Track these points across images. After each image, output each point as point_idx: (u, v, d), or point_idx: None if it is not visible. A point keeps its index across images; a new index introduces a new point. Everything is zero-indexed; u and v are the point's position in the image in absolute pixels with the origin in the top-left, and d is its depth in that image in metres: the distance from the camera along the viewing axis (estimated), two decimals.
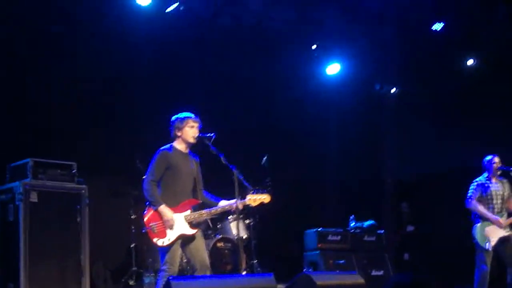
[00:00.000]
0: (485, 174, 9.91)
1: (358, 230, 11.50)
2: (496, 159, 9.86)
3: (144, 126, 10.46)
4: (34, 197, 8.31)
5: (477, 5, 11.89)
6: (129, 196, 9.79)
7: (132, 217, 9.74)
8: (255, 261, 10.11)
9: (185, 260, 8.94)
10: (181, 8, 10.59)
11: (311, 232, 11.05)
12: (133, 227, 9.71)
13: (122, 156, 10.19)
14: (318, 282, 6.81)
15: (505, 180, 9.94)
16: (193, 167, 7.47)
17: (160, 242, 7.14)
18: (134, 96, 10.72)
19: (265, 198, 7.53)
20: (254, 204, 7.49)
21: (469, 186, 9.87)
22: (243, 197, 7.39)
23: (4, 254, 8.39)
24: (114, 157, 10.29)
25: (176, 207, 7.22)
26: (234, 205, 7.33)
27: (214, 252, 9.63)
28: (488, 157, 9.94)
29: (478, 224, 9.62)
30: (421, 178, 13.16)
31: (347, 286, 7.02)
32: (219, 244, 9.92)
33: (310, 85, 12.87)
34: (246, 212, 10.04)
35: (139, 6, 10.36)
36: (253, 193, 7.43)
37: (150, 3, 10.38)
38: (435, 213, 12.93)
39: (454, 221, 11.62)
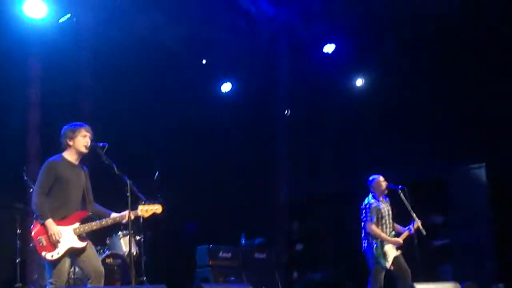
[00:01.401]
0: (373, 195, 10.03)
1: (249, 247, 11.55)
2: (381, 179, 10.01)
3: (33, 138, 10.17)
4: None
5: (367, 31, 12.21)
6: (15, 209, 9.50)
7: (18, 231, 9.44)
8: (145, 278, 9.96)
9: (72, 277, 8.73)
10: (74, 19, 10.45)
11: (202, 248, 11.01)
12: (18, 242, 9.40)
13: (8, 168, 9.88)
14: None
15: (387, 200, 10.13)
16: (82, 178, 7.30)
17: (49, 256, 6.94)
18: (22, 106, 10.40)
19: (157, 208, 7.45)
20: (146, 214, 7.41)
21: (361, 208, 9.95)
22: (135, 208, 7.30)
23: None
24: (6, 169, 9.96)
25: (64, 219, 7.05)
26: (127, 216, 7.22)
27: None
28: (374, 177, 10.04)
29: (377, 245, 9.73)
30: (311, 198, 13.33)
31: None
32: (108, 260, 9.74)
33: (204, 102, 12.88)
34: (137, 227, 9.93)
35: (30, 18, 10.13)
36: (144, 203, 7.35)
37: (44, 17, 10.18)
38: (324, 232, 13.12)
39: (342, 240, 11.86)
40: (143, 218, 8.58)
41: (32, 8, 10.04)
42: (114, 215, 7.34)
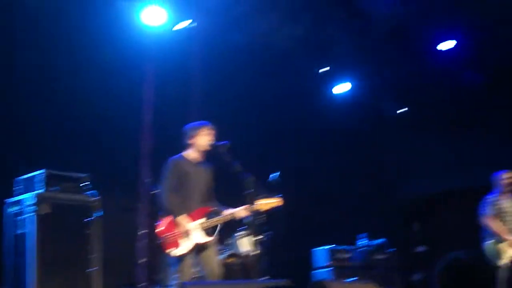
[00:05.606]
0: (496, 191, 9.86)
1: (368, 248, 11.43)
2: (506, 175, 9.82)
3: (148, 141, 10.40)
4: (46, 209, 8.19)
5: (486, 29, 11.90)
6: (139, 210, 9.75)
7: (141, 232, 9.65)
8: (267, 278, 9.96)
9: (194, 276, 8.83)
10: (195, 24, 10.66)
11: (321, 249, 10.94)
12: (142, 242, 9.61)
13: (128, 172, 10.16)
14: None
15: None
16: (206, 175, 7.46)
17: (175, 252, 7.10)
18: (142, 112, 10.66)
19: (276, 201, 7.46)
20: (264, 208, 7.44)
21: (481, 203, 9.80)
22: (253, 203, 7.35)
23: (14, 266, 8.27)
24: (127, 172, 10.23)
25: (190, 215, 7.19)
26: (247, 211, 7.29)
27: (223, 269, 9.47)
28: (498, 174, 9.91)
29: (490, 241, 9.53)
30: (432, 198, 13.07)
31: None
32: (230, 260, 9.81)
33: (316, 104, 12.87)
34: (258, 227, 9.95)
35: (148, 25, 10.36)
36: (263, 198, 7.38)
37: (161, 24, 10.39)
38: (447, 233, 12.83)
39: (466, 241, 11.54)
40: (262, 213, 8.62)
41: (150, 15, 10.28)
42: (232, 210, 7.40)
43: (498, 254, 9.43)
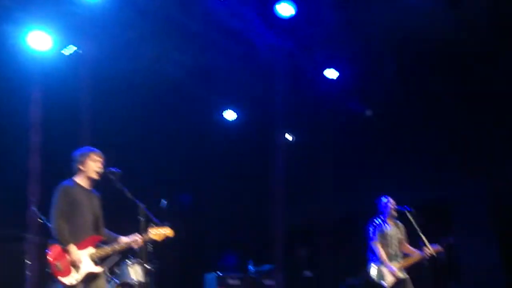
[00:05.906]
0: (381, 216, 10.06)
1: (257, 274, 11.50)
2: (391, 200, 10.04)
3: (36, 166, 10.15)
4: None
5: (369, 59, 12.27)
6: (24, 240, 9.44)
7: (28, 262, 9.36)
8: None
9: None
10: (80, 52, 10.54)
11: (210, 276, 10.94)
12: (28, 273, 9.32)
13: (14, 201, 9.86)
14: None
15: (399, 223, 10.12)
16: (95, 203, 7.27)
17: (67, 281, 6.88)
18: (29, 136, 10.41)
19: (169, 232, 7.43)
20: (158, 238, 7.37)
21: (367, 227, 10.02)
22: (146, 232, 7.27)
23: None
24: (5, 201, 9.93)
25: (78, 244, 7.00)
26: (138, 240, 7.21)
27: None
28: (383, 199, 10.09)
29: (375, 264, 9.72)
30: (319, 224, 13.29)
31: None
32: None
33: (206, 130, 12.92)
34: (147, 256, 9.84)
35: (34, 50, 10.18)
36: (155, 227, 7.32)
37: (48, 49, 10.23)
38: (332, 258, 13.05)
39: (351, 265, 11.81)
40: (154, 244, 8.57)
41: (36, 40, 10.10)
42: (124, 239, 7.31)
43: (383, 276, 9.62)
